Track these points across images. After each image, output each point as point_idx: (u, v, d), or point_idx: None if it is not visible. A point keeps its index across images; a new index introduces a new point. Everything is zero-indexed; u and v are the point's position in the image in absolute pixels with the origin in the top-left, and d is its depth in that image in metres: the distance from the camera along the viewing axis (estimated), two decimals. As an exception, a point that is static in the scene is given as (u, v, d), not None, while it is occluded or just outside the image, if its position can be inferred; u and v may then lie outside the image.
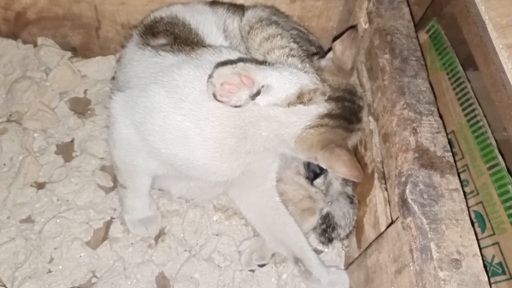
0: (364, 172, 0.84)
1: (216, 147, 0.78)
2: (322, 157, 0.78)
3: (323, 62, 0.84)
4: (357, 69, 0.96)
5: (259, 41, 0.84)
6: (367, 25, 0.96)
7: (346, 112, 0.81)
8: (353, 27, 0.98)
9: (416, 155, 0.71)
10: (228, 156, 0.80)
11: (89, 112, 1.20)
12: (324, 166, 0.79)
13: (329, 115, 0.79)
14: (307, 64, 0.78)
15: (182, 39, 0.88)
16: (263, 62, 0.76)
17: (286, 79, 0.72)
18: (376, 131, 0.89)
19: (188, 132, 0.77)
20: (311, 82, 0.74)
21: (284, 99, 0.72)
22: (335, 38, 0.83)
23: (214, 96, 0.68)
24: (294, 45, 0.81)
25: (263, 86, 0.70)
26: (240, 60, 0.75)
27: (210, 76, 0.69)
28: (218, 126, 0.77)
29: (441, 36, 1.04)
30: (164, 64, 0.82)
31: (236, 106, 0.70)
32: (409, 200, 0.66)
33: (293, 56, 0.78)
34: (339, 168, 0.76)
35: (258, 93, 0.70)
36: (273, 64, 0.76)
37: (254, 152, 0.82)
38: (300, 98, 0.73)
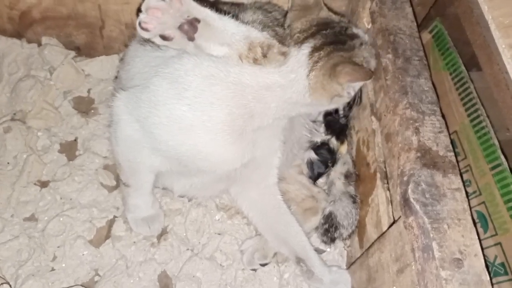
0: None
1: (225, 130, 0.77)
2: (335, 83, 0.76)
3: (287, 16, 0.82)
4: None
5: None
6: (370, 25, 0.96)
7: (330, 37, 0.78)
8: None
9: (419, 154, 0.71)
10: (237, 137, 0.79)
11: (92, 111, 1.21)
12: (346, 91, 0.78)
13: (315, 49, 0.76)
14: (269, 30, 0.77)
15: None
16: None
17: (230, 23, 0.70)
18: (379, 131, 0.89)
19: (195, 121, 0.76)
20: (262, 36, 0.73)
21: (230, 44, 0.70)
22: None
23: (139, 24, 0.65)
24: (259, 18, 0.81)
25: (198, 21, 0.67)
26: None
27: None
28: (225, 108, 0.76)
29: (444, 36, 1.04)
30: (165, 57, 0.82)
31: (164, 38, 0.66)
32: (411, 200, 0.66)
33: (254, 27, 0.78)
34: (343, 80, 0.75)
35: (193, 28, 0.66)
36: None
37: (263, 127, 0.81)
38: (253, 52, 0.72)
